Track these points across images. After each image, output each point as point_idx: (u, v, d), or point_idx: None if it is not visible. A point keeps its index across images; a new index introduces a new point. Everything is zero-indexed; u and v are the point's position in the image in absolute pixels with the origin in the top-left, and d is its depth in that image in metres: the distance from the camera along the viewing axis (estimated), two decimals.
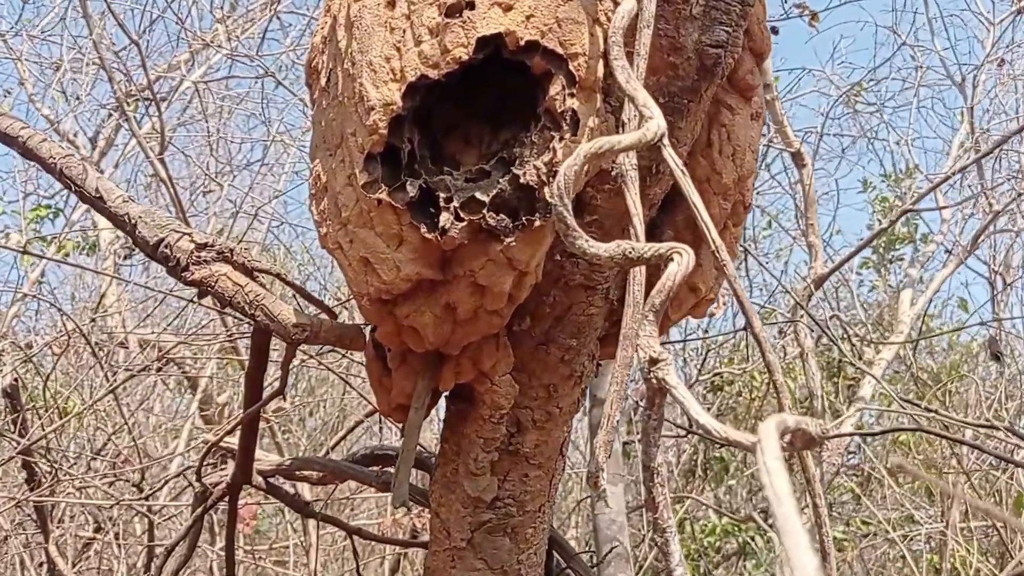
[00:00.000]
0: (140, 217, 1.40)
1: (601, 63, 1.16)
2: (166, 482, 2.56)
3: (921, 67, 6.23)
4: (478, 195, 1.18)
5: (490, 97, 1.30)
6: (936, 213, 4.79)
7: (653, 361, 0.81)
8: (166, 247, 1.37)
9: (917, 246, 6.57)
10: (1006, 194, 4.40)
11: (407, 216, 1.19)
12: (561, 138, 1.14)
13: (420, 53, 1.17)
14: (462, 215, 1.17)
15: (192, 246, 1.37)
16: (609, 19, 1.17)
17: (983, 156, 4.35)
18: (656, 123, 0.94)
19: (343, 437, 2.39)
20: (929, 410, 3.00)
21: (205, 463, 1.72)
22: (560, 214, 0.89)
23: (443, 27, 1.16)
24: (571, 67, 1.14)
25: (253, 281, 1.39)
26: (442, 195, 1.19)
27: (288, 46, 5.29)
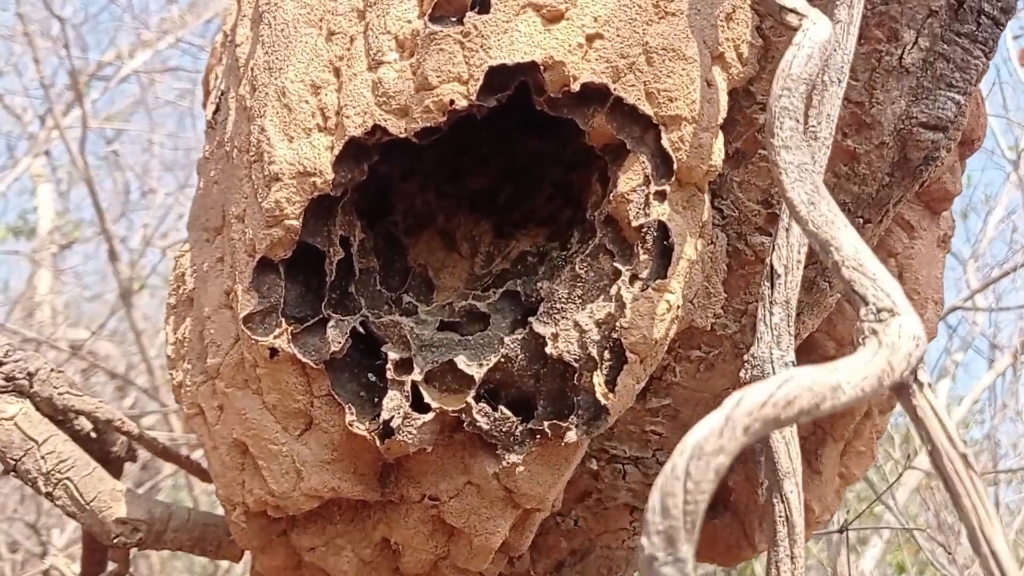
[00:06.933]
0: None
1: (721, 138, 0.61)
2: None
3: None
4: (461, 363, 0.61)
5: (498, 163, 0.75)
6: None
7: None
8: None
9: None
10: None
11: (324, 383, 0.63)
12: (635, 277, 0.58)
13: (377, 84, 0.61)
14: (427, 397, 0.61)
15: None
16: (742, 57, 0.62)
17: None
18: (907, 327, 0.39)
19: None
20: None
21: None
22: None
23: (426, 40, 0.60)
24: (666, 140, 0.59)
25: (63, 429, 0.82)
26: (392, 354, 0.62)
27: None
